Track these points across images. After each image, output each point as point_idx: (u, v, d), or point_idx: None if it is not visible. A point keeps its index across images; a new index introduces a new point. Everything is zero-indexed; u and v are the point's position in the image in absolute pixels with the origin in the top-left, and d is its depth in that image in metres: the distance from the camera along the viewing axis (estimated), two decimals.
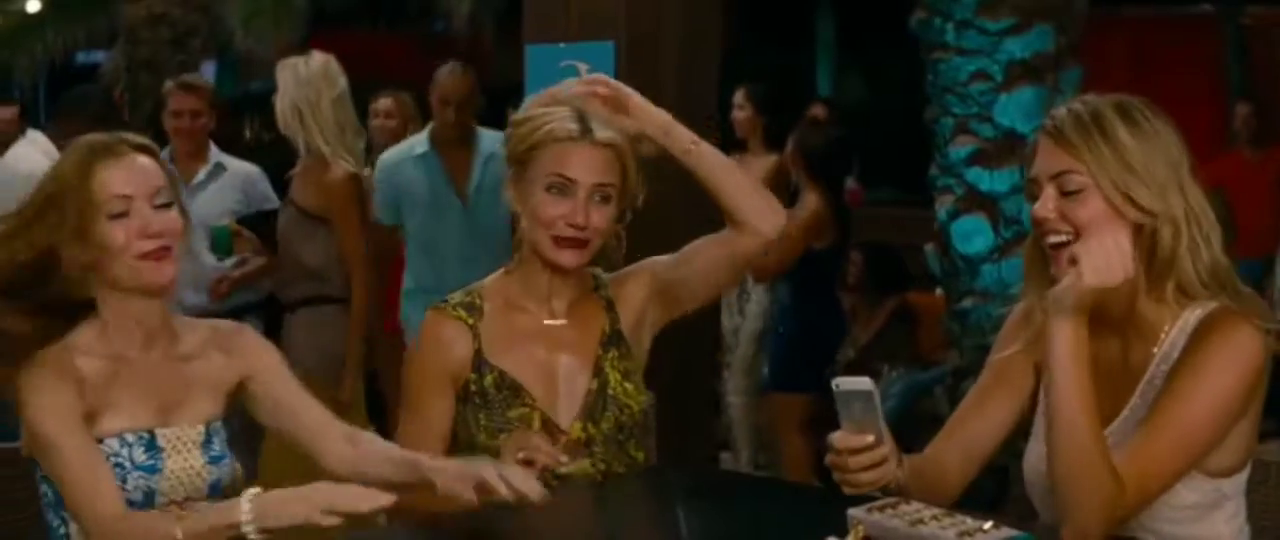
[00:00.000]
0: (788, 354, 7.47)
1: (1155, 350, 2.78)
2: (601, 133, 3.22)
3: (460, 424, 3.27)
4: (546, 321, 3.32)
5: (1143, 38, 11.71)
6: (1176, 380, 2.70)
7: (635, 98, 3.35)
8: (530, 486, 2.79)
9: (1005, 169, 5.69)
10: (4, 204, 3.06)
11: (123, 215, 2.95)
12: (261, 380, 3.16)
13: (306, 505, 2.70)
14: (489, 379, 3.24)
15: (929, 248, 6.21)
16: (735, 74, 7.30)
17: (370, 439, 3.14)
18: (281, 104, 5.66)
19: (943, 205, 5.86)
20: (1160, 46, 11.61)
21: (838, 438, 2.76)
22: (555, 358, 3.30)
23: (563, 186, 3.20)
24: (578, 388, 3.29)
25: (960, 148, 5.78)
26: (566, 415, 3.27)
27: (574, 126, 3.22)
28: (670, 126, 3.34)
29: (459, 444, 3.27)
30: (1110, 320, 2.80)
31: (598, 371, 3.31)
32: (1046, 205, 2.75)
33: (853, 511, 2.62)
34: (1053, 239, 2.76)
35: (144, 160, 3.01)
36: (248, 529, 2.71)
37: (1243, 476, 2.82)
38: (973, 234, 5.76)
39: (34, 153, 6.17)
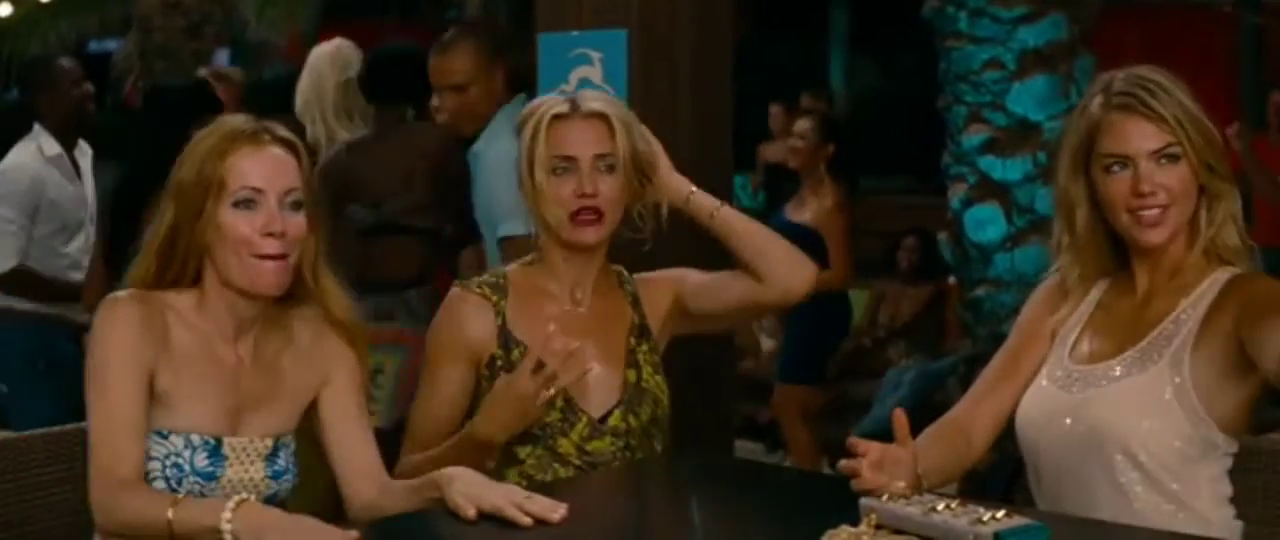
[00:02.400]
0: (796, 345, 7.52)
1: (1182, 301, 2.91)
2: (590, 104, 3.30)
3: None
4: (570, 308, 3.34)
5: (1156, 27, 11.70)
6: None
7: (661, 166, 3.39)
8: (552, 513, 2.74)
9: (1018, 157, 5.69)
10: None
11: (248, 205, 2.82)
12: (328, 396, 3.02)
13: (284, 537, 2.59)
14: (515, 354, 3.25)
15: (942, 236, 6.21)
16: (749, 62, 7.29)
17: (389, 484, 3.02)
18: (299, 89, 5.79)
19: (955, 194, 5.86)
20: (1173, 36, 11.59)
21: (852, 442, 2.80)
22: (581, 344, 3.27)
23: (565, 166, 3.26)
24: (609, 378, 3.31)
25: (973, 136, 5.78)
26: (594, 404, 3.28)
27: (564, 107, 3.29)
28: (691, 194, 3.39)
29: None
30: (1160, 270, 2.96)
31: (632, 363, 3.34)
32: (1152, 179, 2.87)
33: (865, 500, 2.62)
34: (1151, 211, 2.88)
35: (282, 154, 2.87)
36: (226, 537, 2.59)
37: (1232, 446, 2.90)
38: (986, 222, 5.76)
39: (30, 147, 6.15)
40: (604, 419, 3.28)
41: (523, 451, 3.25)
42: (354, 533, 2.59)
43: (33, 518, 3.04)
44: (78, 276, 6.15)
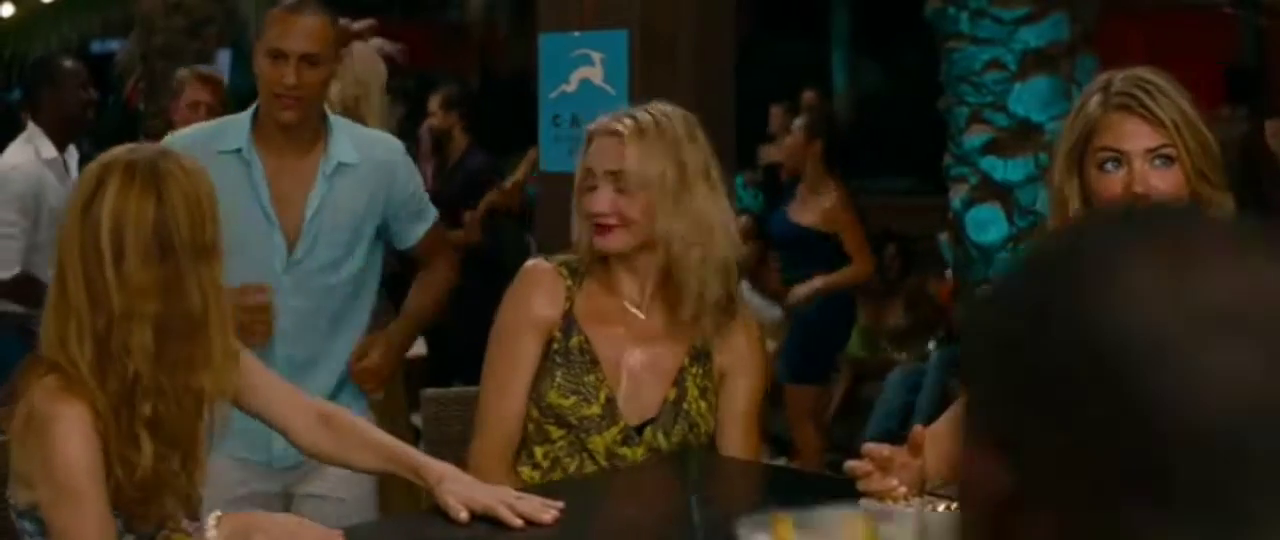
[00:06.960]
0: (801, 346, 7.50)
1: None
2: (624, 125, 3.23)
3: (536, 376, 3.28)
4: (628, 306, 3.32)
5: (1157, 27, 11.70)
6: None
7: None
8: (544, 513, 2.76)
9: (1019, 158, 5.68)
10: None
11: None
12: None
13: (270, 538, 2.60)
14: (574, 341, 3.26)
15: (943, 237, 6.20)
16: (751, 63, 7.29)
17: (351, 423, 3.00)
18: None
19: (957, 194, 5.85)
20: (1175, 36, 11.60)
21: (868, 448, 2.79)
22: (630, 345, 3.31)
23: (589, 179, 3.26)
24: (653, 392, 3.30)
25: (974, 137, 5.77)
26: (632, 412, 3.27)
27: (604, 122, 3.28)
28: None
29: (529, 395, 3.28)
30: None
31: (678, 381, 3.31)
32: (1146, 180, 2.87)
33: (865, 501, 2.62)
34: None
35: None
36: None
37: None
38: (987, 223, 5.75)
39: (28, 149, 6.10)
40: (640, 430, 3.27)
41: (556, 432, 3.25)
42: (338, 533, 2.59)
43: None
44: None
